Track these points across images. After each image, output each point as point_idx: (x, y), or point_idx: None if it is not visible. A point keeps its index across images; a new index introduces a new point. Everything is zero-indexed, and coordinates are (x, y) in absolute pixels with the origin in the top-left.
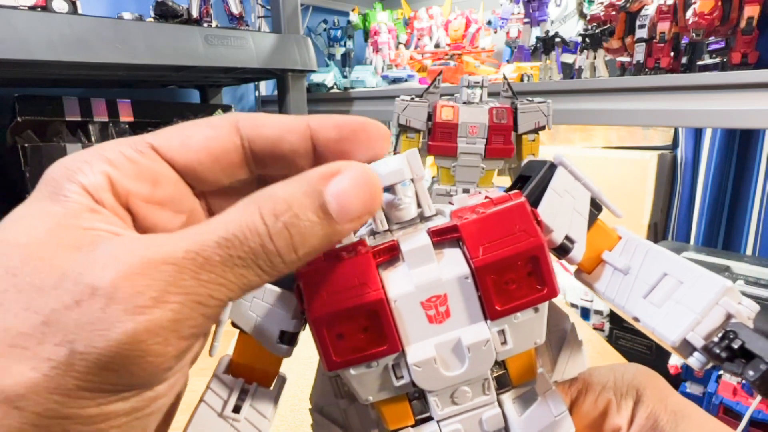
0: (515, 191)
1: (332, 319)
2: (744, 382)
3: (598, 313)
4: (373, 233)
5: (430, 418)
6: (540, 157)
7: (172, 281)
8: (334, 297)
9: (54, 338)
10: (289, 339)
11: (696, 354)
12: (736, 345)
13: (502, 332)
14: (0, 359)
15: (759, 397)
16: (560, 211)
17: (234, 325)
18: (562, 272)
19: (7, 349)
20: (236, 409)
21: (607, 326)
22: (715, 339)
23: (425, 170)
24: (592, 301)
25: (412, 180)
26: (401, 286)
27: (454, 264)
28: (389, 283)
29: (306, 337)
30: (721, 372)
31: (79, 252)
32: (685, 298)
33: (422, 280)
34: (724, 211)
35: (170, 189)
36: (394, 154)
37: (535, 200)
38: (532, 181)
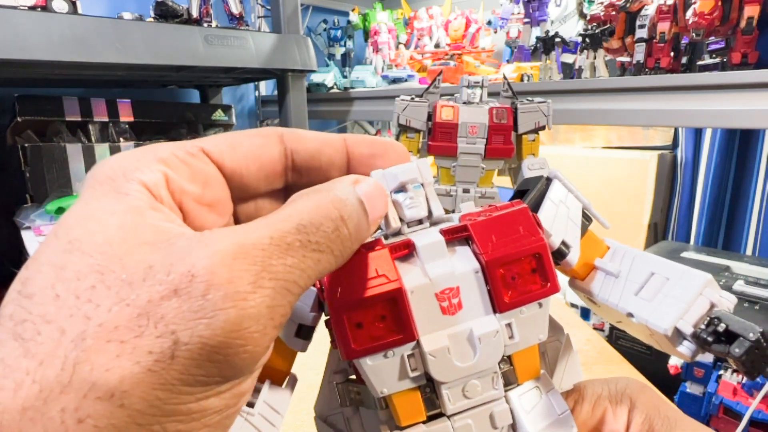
0: (517, 200)
1: (352, 307)
2: (744, 382)
3: None
4: (386, 236)
5: (440, 415)
6: (540, 157)
7: (264, 266)
8: (354, 287)
9: (154, 330)
10: (306, 333)
11: (685, 342)
12: (721, 329)
13: (509, 326)
14: (99, 355)
15: (759, 397)
16: (557, 219)
17: None
18: (562, 273)
19: (104, 345)
20: (249, 404)
21: (607, 326)
22: (702, 326)
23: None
24: None
25: (422, 184)
26: (417, 278)
27: (465, 259)
28: (405, 276)
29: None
30: (721, 372)
31: (158, 247)
32: (673, 291)
33: (436, 272)
34: (724, 211)
35: (218, 191)
36: None
37: (533, 209)
38: (531, 192)
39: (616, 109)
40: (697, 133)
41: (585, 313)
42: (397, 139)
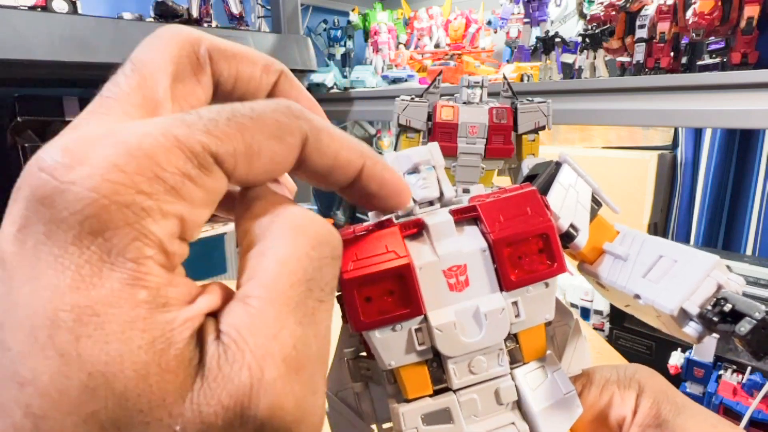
0: (526, 183)
1: (362, 281)
2: (744, 382)
3: (598, 313)
4: (398, 217)
5: (447, 390)
6: (540, 157)
7: (312, 363)
8: (364, 262)
9: None
10: None
11: (691, 323)
12: (727, 309)
13: (515, 304)
14: None
15: (759, 397)
16: (566, 203)
17: None
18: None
19: None
20: None
21: (607, 326)
22: (709, 306)
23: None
24: (592, 301)
25: (434, 167)
26: (425, 255)
27: (473, 238)
28: (414, 253)
29: None
30: (721, 372)
31: (193, 389)
32: (681, 273)
33: (444, 250)
34: (724, 211)
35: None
36: None
37: (542, 192)
38: (541, 176)
39: (616, 109)
40: (697, 133)
41: (585, 313)
42: (397, 139)
